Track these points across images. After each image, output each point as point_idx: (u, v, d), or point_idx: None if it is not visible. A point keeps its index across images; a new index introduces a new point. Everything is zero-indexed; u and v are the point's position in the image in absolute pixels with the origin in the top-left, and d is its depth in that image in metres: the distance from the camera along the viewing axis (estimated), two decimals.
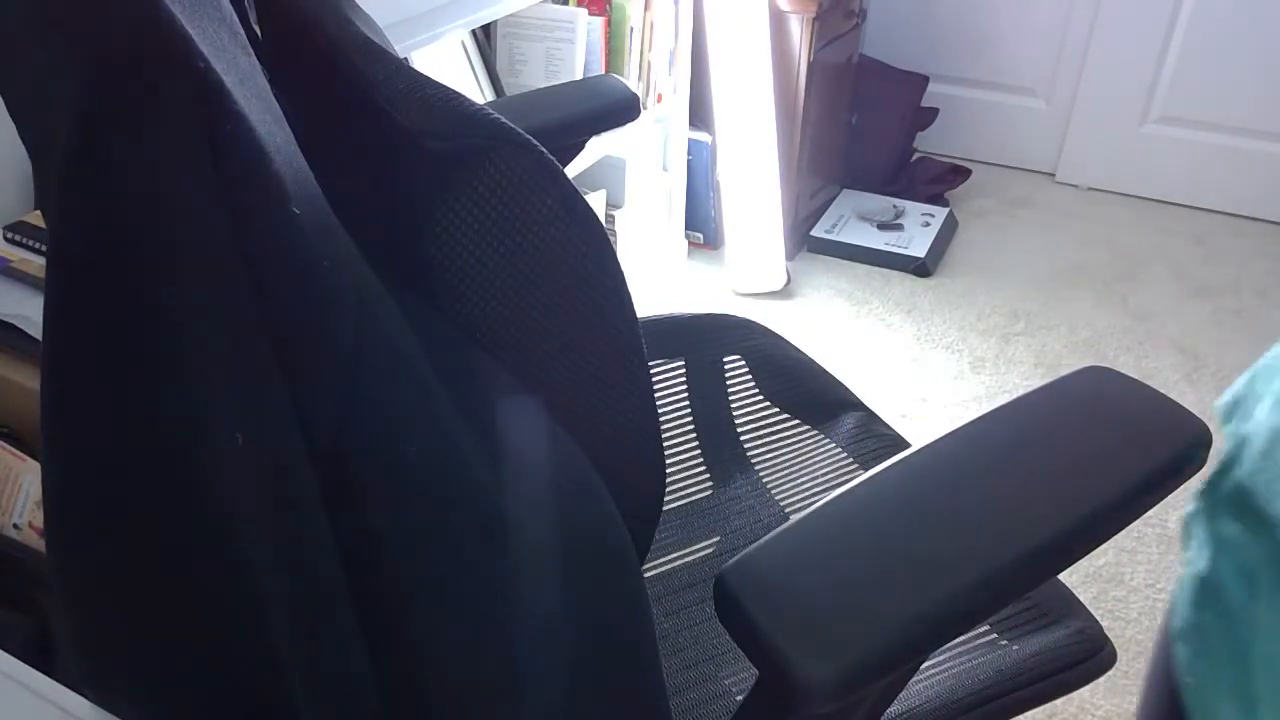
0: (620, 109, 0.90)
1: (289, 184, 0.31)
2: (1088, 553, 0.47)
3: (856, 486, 0.47)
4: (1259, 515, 0.52)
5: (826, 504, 0.46)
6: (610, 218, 1.89)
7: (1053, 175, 2.56)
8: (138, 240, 0.31)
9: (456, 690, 0.39)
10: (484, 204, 0.42)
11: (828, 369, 0.92)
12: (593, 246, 0.46)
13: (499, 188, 0.43)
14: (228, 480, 0.33)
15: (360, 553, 0.35)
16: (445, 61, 1.57)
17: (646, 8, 1.77)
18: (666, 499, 0.81)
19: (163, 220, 0.31)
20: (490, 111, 0.43)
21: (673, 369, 0.88)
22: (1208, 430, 0.51)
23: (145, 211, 0.31)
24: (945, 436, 0.50)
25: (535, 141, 0.44)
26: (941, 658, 0.69)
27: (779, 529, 0.45)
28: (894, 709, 0.63)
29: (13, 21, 0.34)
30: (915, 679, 0.67)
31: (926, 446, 0.49)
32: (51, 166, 0.33)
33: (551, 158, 0.45)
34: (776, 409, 0.88)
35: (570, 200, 0.45)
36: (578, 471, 0.47)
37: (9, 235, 1.06)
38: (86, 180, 0.31)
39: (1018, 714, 0.66)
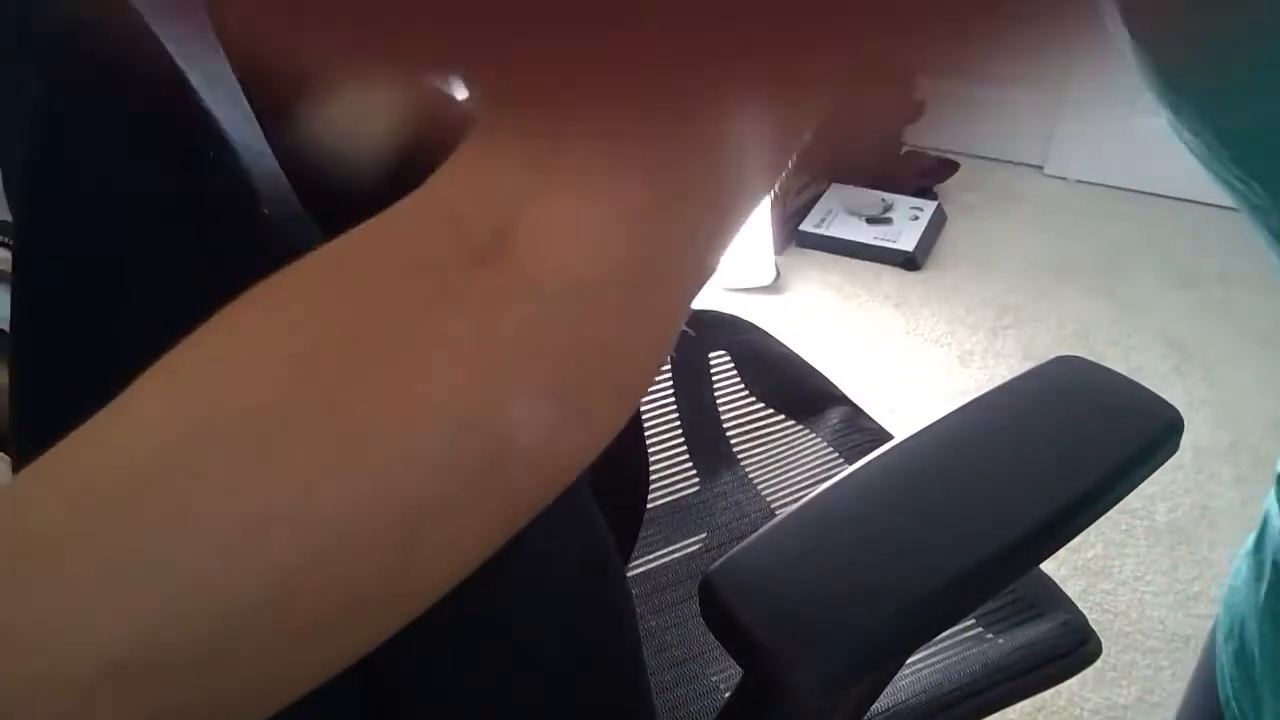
0: None
1: (260, 186, 0.31)
2: (1067, 542, 0.48)
3: (836, 484, 0.47)
4: None
5: (807, 503, 0.46)
6: None
7: (1041, 168, 2.56)
8: (104, 247, 0.31)
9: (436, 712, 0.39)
10: None
11: (815, 363, 0.92)
12: None
13: None
14: None
15: None
16: None
17: None
18: (653, 496, 0.81)
19: (132, 229, 0.31)
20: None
21: None
22: (1179, 415, 0.52)
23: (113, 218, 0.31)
24: (921, 431, 0.50)
25: None
26: (927, 652, 0.69)
27: (762, 529, 0.45)
28: (880, 704, 0.64)
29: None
30: (901, 674, 0.67)
31: (903, 442, 0.49)
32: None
33: None
34: (762, 404, 0.88)
35: None
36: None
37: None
38: (53, 183, 0.31)
39: (1004, 707, 0.66)
